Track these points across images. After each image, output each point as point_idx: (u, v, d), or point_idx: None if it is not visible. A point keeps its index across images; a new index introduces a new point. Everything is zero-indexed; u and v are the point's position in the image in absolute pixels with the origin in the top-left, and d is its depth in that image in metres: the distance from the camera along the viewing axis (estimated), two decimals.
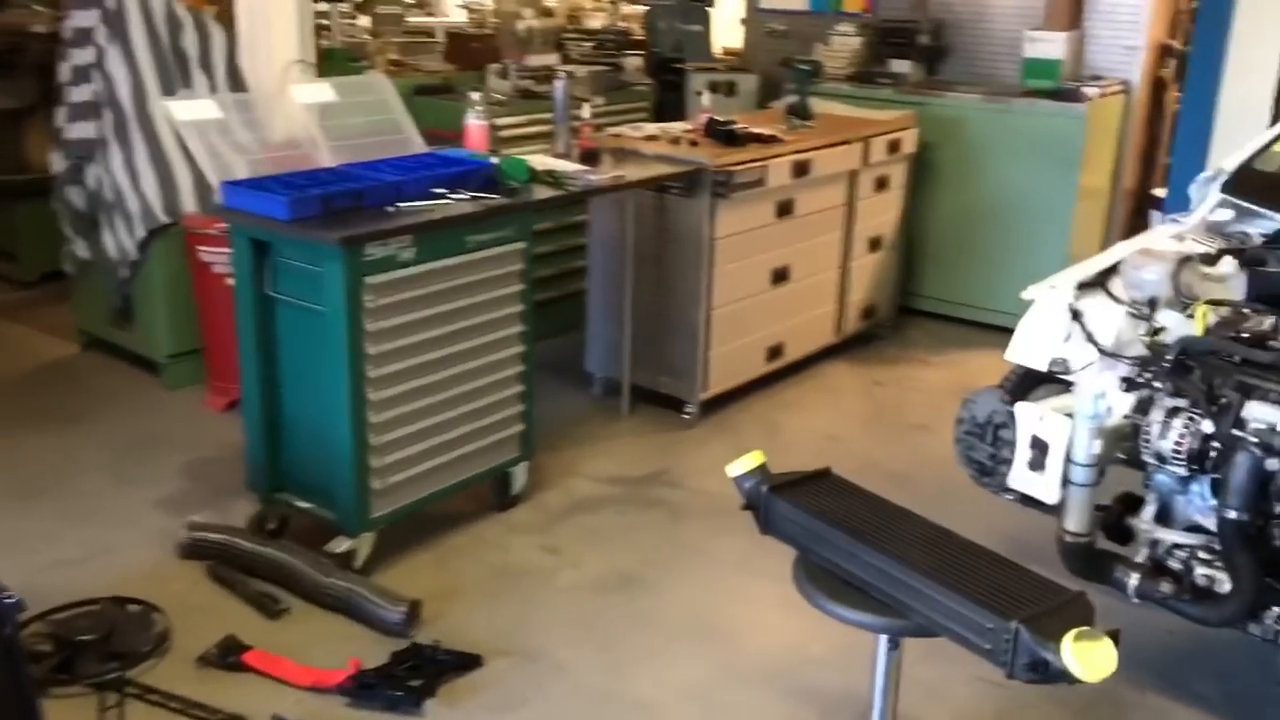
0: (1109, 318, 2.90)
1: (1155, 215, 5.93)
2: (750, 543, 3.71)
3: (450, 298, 3.39)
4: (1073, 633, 1.86)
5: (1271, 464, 2.43)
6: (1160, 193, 5.97)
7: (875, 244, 5.40)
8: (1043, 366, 2.95)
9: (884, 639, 2.26)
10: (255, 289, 3.32)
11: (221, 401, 4.53)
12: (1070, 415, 2.68)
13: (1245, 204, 3.20)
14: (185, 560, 3.43)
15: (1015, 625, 1.90)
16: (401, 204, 3.32)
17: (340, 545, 3.32)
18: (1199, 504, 2.69)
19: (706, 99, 5.05)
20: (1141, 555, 2.75)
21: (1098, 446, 2.60)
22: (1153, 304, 2.81)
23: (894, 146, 5.30)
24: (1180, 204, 4.60)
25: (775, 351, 4.90)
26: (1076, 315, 2.92)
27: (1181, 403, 2.60)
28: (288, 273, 3.26)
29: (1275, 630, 2.50)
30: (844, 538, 2.20)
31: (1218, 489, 2.63)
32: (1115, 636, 1.87)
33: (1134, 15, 5.74)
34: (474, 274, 3.45)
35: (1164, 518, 2.75)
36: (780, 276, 4.81)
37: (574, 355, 4.90)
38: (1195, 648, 3.16)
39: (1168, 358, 2.65)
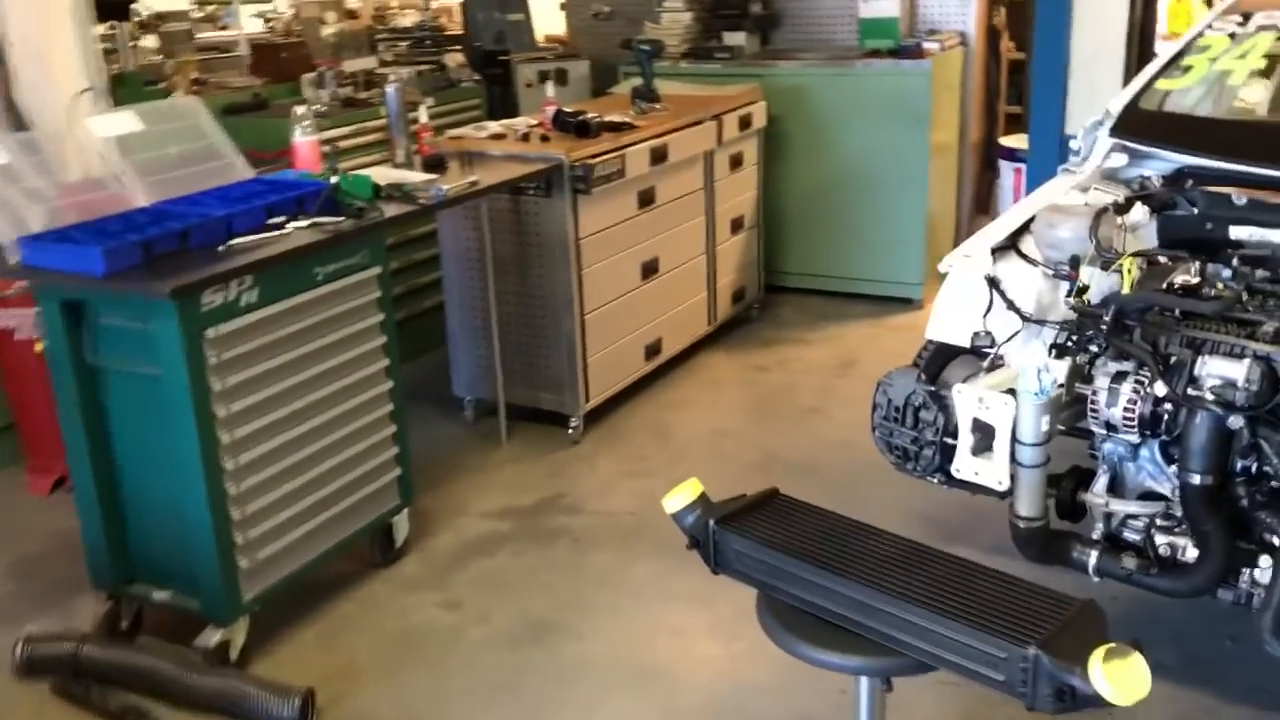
0: (1028, 283, 2.73)
1: (1004, 165, 5.92)
2: (665, 565, 3.45)
3: (304, 340, 2.99)
4: (1099, 652, 1.64)
5: (1232, 421, 2.28)
6: (1008, 142, 5.95)
7: (737, 225, 5.19)
8: (965, 342, 2.75)
9: (866, 681, 2.00)
10: (74, 357, 2.85)
11: (45, 482, 3.98)
12: (1012, 393, 2.49)
13: (1138, 145, 3.08)
14: (25, 681, 2.93)
15: (1034, 652, 1.67)
16: (234, 240, 2.90)
17: (211, 637, 2.89)
18: (1151, 470, 2.53)
19: (551, 90, 4.73)
20: (1098, 531, 2.59)
21: (1046, 424, 2.41)
22: (1074, 263, 2.64)
23: (745, 122, 5.09)
24: (1044, 153, 4.53)
25: (653, 349, 4.63)
26: (995, 284, 2.74)
27: (1127, 366, 2.43)
28: (111, 335, 2.81)
29: (1249, 594, 2.36)
30: (812, 570, 1.94)
31: (1169, 452, 2.48)
32: (1139, 648, 1.66)
33: None
34: (327, 309, 3.06)
35: (1115, 488, 2.59)
36: (650, 270, 4.53)
37: (436, 379, 4.53)
38: (1143, 611, 3.03)
39: (1105, 319, 2.48)
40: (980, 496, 2.72)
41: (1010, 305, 2.71)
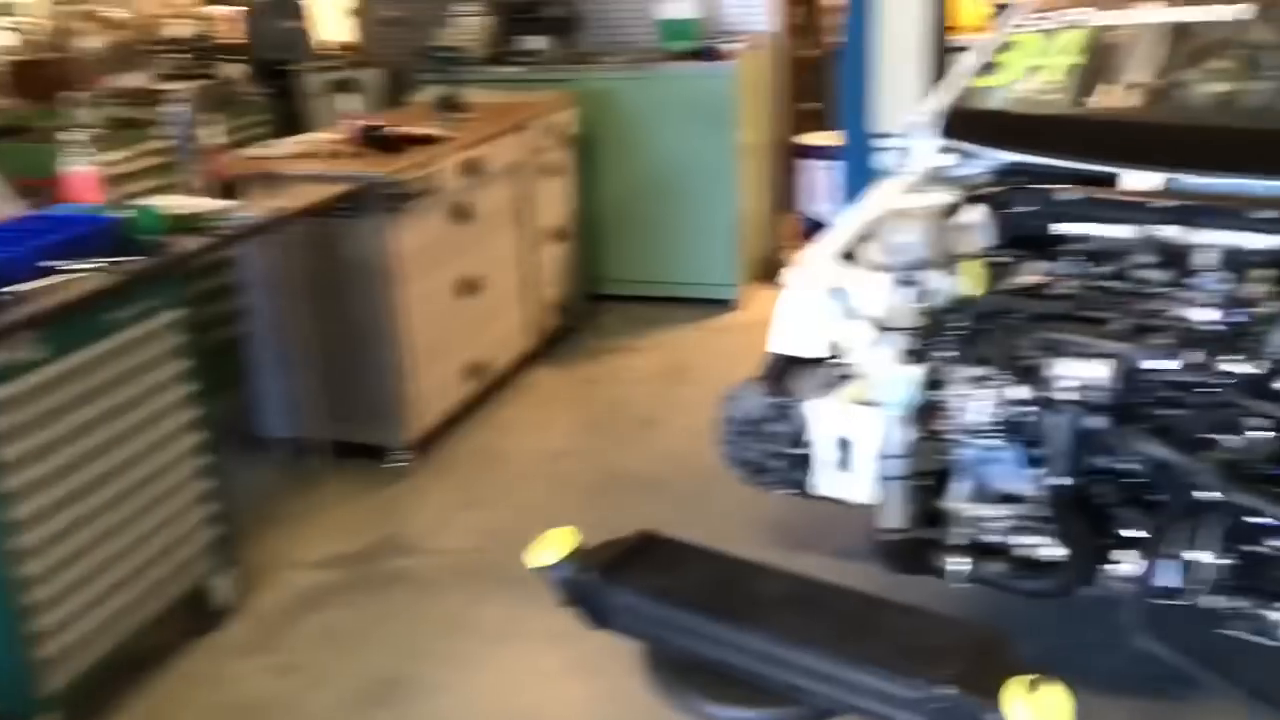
0: (875, 290, 2.69)
1: (808, 164, 5.98)
2: (516, 602, 3.24)
3: (100, 396, 2.67)
4: (1017, 685, 1.58)
5: (1091, 421, 2.28)
6: (810, 140, 6.01)
7: (555, 235, 5.04)
8: (815, 353, 2.69)
9: None
10: None
11: None
12: (871, 404, 2.44)
13: (965, 145, 3.09)
14: None
15: (950, 691, 1.60)
16: (8, 288, 2.55)
17: None
18: (1008, 472, 2.52)
19: (342, 101, 4.45)
20: (960, 537, 2.56)
21: (909, 434, 2.37)
22: (920, 267, 2.61)
23: (556, 130, 4.94)
24: (857, 151, 4.57)
25: (477, 370, 4.42)
26: (839, 292, 2.68)
27: (983, 371, 2.41)
28: None
29: (1117, 589, 2.38)
30: (706, 620, 1.82)
31: (1028, 454, 2.48)
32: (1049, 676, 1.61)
33: None
34: (124, 360, 2.74)
35: (975, 493, 2.58)
36: (469, 287, 4.33)
37: (239, 419, 4.18)
38: (995, 609, 3.05)
39: (960, 324, 2.46)
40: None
41: (857, 314, 2.66)
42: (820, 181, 5.83)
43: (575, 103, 5.17)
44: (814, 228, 5.91)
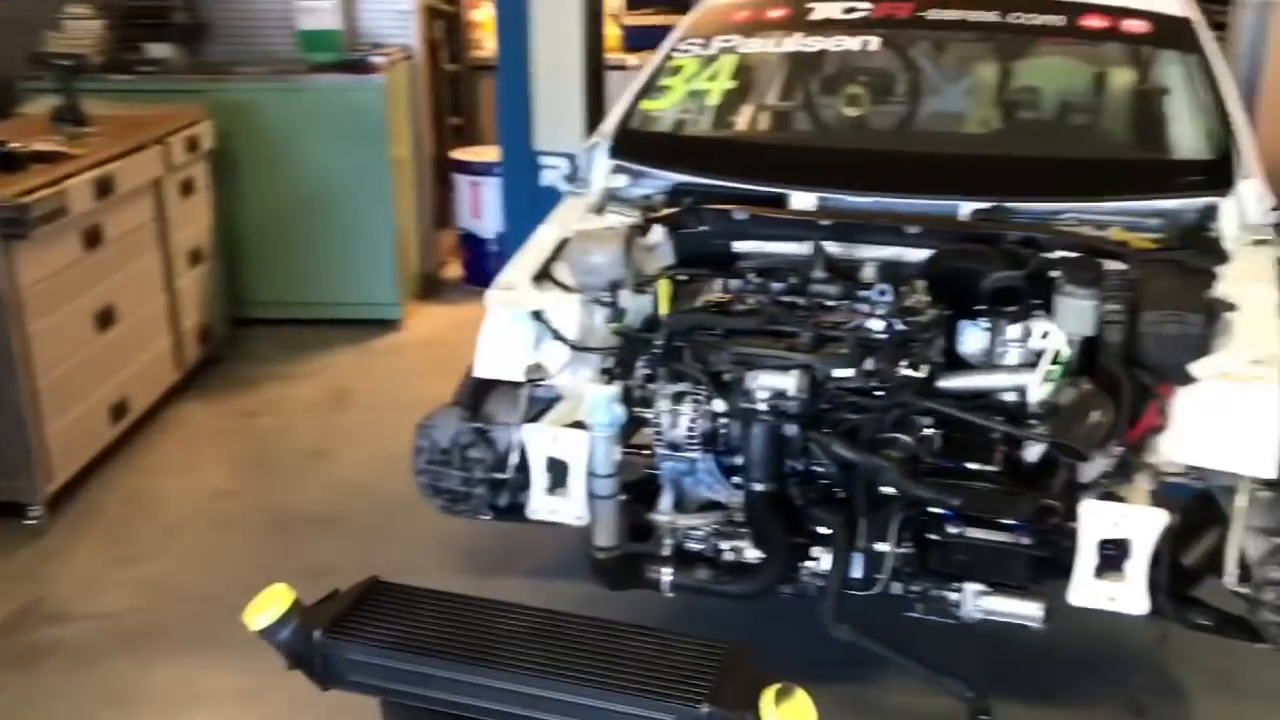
0: (569, 310, 2.70)
1: (460, 179, 5.93)
2: (192, 662, 2.95)
3: None
4: (769, 695, 1.63)
5: (786, 429, 2.41)
6: (461, 155, 5.97)
7: (195, 257, 4.68)
8: (518, 376, 2.66)
9: None
10: None
11: None
12: (579, 425, 2.45)
13: (636, 166, 3.17)
14: None
15: (705, 709, 1.63)
16: None
17: None
18: (710, 481, 2.61)
19: None
20: (667, 548, 2.62)
21: (618, 453, 2.40)
22: (613, 287, 2.65)
23: (192, 144, 4.59)
24: (518, 167, 4.58)
25: (121, 409, 4.02)
26: (539, 315, 2.67)
27: (683, 386, 2.48)
28: None
29: (813, 585, 2.51)
30: (446, 665, 1.74)
31: (725, 462, 2.57)
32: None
33: None
34: None
35: (678, 504, 2.65)
36: (106, 319, 3.93)
37: None
38: (707, 615, 3.14)
39: (656, 342, 2.52)
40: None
41: (557, 335, 2.66)
42: (475, 197, 5.80)
43: (211, 115, 4.82)
44: (472, 244, 5.89)
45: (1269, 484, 2.27)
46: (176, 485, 3.91)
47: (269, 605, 1.82)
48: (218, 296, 4.90)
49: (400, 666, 1.75)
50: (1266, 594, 2.23)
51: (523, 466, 2.56)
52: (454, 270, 6.07)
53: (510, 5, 4.33)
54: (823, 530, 2.48)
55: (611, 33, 6.09)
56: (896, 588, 2.44)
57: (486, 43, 6.41)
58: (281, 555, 3.43)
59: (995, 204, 2.83)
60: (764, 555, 2.51)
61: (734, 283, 2.70)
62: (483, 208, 5.79)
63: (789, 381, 2.38)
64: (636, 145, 3.24)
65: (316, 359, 4.96)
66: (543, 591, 3.20)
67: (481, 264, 5.67)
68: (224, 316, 4.97)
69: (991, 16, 3.28)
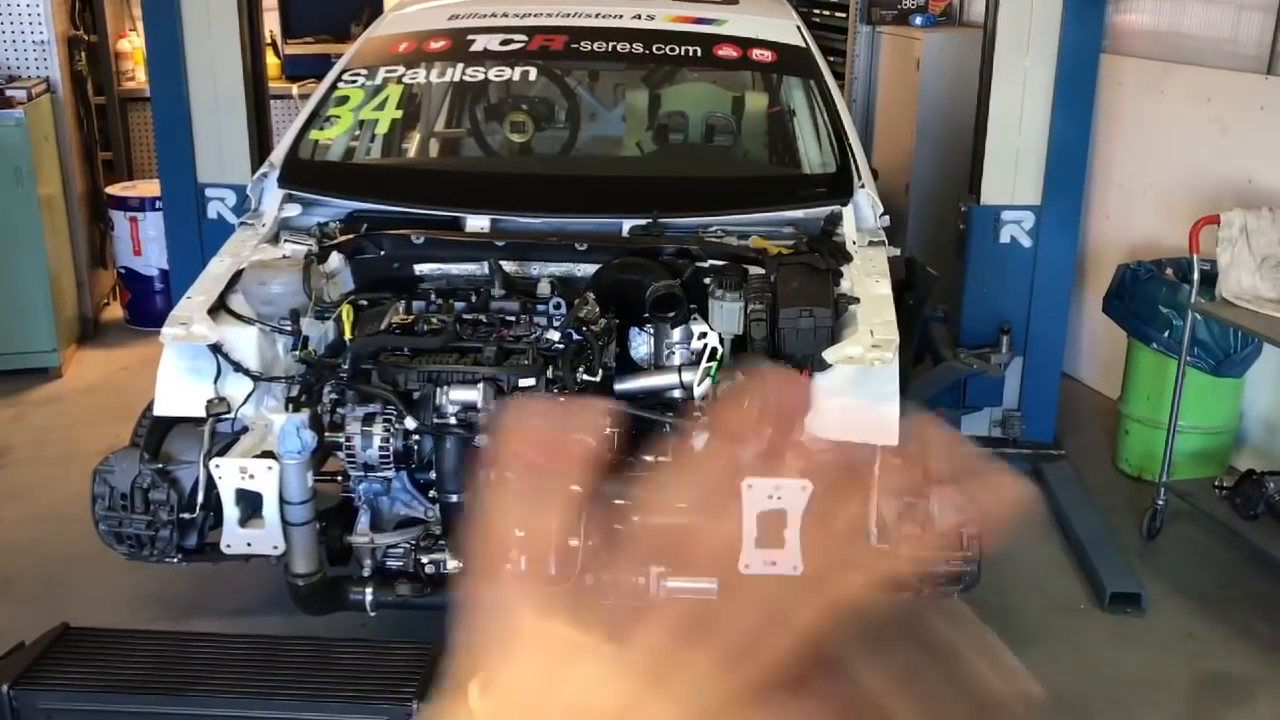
0: (249, 342, 2.70)
1: (116, 215, 5.64)
2: None
3: None
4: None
5: (478, 440, 2.53)
6: (116, 191, 5.68)
7: None
8: (199, 412, 2.63)
9: None
10: None
11: None
12: (269, 455, 2.46)
13: (308, 195, 3.20)
14: None
15: (414, 706, 1.72)
16: None
17: None
18: (405, 499, 2.69)
19: None
20: (367, 568, 2.67)
21: (311, 479, 2.44)
22: (294, 316, 2.68)
23: None
24: (179, 202, 4.42)
25: None
26: (218, 349, 2.65)
27: (373, 408, 2.55)
28: None
29: None
30: (149, 702, 1.74)
31: (418, 479, 2.66)
32: None
33: (34, 6, 5.25)
34: None
35: (375, 523, 2.70)
36: None
37: None
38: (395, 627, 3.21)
39: (341, 366, 2.57)
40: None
41: (238, 367, 2.65)
42: (136, 233, 5.54)
43: None
44: (135, 282, 5.61)
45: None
46: None
47: None
48: None
49: (101, 709, 1.74)
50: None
51: (210, 503, 2.54)
52: (115, 311, 5.76)
53: (160, 35, 4.19)
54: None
55: (271, 61, 5.99)
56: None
57: (138, 73, 6.13)
58: None
59: (652, 220, 3.08)
60: (463, 564, 2.62)
61: (417, 304, 2.79)
62: (144, 244, 5.54)
63: (477, 394, 2.51)
64: (308, 174, 3.26)
65: None
66: (244, 628, 3.13)
67: (145, 303, 5.43)
68: None
69: (637, 48, 3.55)
